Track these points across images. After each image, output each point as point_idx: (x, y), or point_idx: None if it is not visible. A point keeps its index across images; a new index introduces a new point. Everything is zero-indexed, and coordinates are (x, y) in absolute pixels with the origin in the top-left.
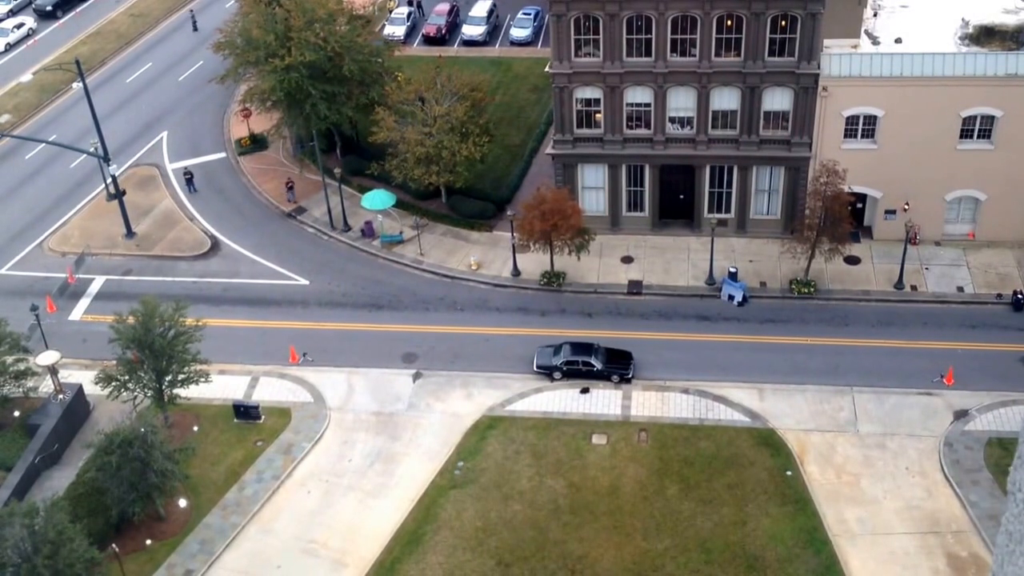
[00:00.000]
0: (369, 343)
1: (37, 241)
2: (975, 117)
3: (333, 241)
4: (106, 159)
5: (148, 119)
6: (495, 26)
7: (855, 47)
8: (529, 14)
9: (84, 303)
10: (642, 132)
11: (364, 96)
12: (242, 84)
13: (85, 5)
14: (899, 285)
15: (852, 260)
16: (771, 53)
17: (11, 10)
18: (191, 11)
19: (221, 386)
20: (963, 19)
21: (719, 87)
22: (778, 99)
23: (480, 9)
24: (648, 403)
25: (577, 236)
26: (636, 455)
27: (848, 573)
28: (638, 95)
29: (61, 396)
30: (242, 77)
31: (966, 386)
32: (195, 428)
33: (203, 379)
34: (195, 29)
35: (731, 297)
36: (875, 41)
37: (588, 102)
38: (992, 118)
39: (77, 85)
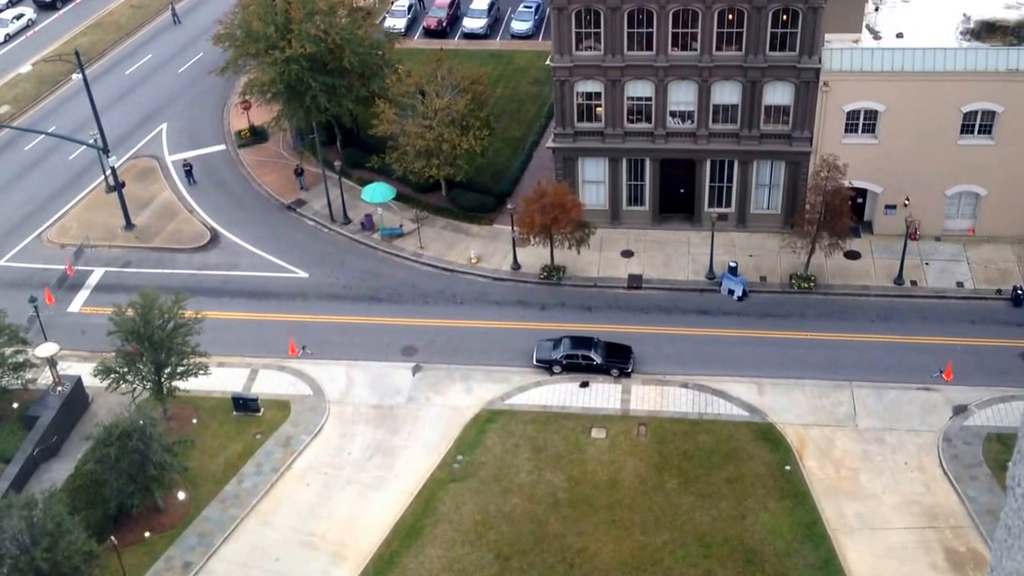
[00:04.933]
0: (368, 336)
1: (36, 232)
2: (976, 112)
3: (333, 234)
4: (105, 150)
5: (147, 111)
6: (496, 19)
7: (856, 42)
8: (530, 7)
9: (83, 295)
10: (643, 126)
11: (364, 88)
12: (242, 76)
13: None
14: (899, 280)
15: (852, 255)
16: (772, 47)
17: (10, 0)
18: (172, 5)
19: (220, 379)
20: (964, 14)
21: (720, 81)
22: (779, 93)
23: (481, 2)
24: (647, 397)
25: (577, 230)
26: (635, 449)
27: (846, 567)
28: (639, 89)
29: (60, 388)
30: (242, 69)
31: (965, 381)
32: (194, 420)
33: (202, 371)
34: (177, 23)
35: (731, 291)
36: (876, 36)
37: (589, 96)
38: (993, 113)
39: (76, 76)
